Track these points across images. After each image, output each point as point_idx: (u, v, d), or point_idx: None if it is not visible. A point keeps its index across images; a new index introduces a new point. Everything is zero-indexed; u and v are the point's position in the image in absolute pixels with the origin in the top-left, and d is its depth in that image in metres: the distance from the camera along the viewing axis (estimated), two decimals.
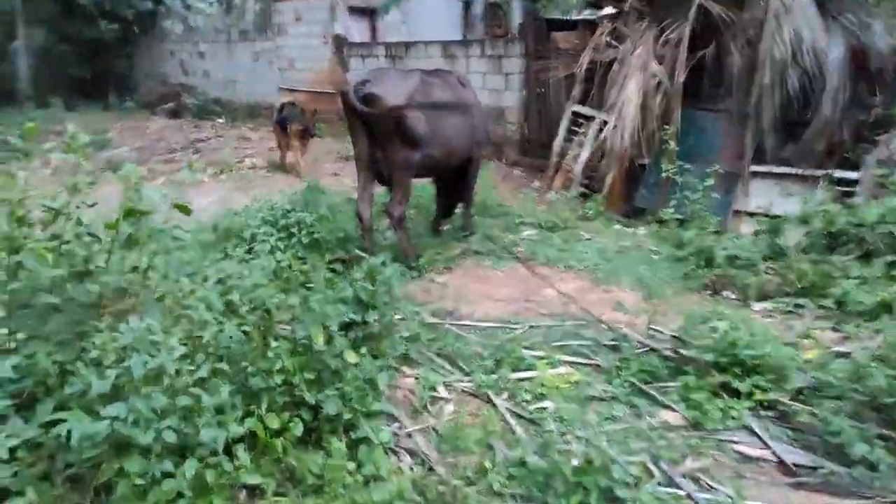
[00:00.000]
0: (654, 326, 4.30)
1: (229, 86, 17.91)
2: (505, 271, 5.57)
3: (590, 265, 5.66)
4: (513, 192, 9.15)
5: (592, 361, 3.82)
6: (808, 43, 6.49)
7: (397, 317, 4.17)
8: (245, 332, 3.06)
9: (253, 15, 19.59)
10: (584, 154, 8.96)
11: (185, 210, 3.08)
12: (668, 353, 3.75)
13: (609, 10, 9.35)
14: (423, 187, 7.72)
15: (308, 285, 4.48)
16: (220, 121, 15.99)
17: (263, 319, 3.22)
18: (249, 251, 4.99)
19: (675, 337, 4.04)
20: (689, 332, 4.07)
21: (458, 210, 6.55)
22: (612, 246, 6.26)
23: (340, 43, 14.54)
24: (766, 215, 7.29)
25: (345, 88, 5.23)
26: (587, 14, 11.30)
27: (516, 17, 18.15)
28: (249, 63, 17.14)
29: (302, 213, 5.24)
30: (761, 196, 7.51)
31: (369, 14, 15.35)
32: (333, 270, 5.09)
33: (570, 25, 10.67)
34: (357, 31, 14.97)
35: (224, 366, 2.76)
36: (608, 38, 7.90)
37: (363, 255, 5.20)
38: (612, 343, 4.05)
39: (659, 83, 7.46)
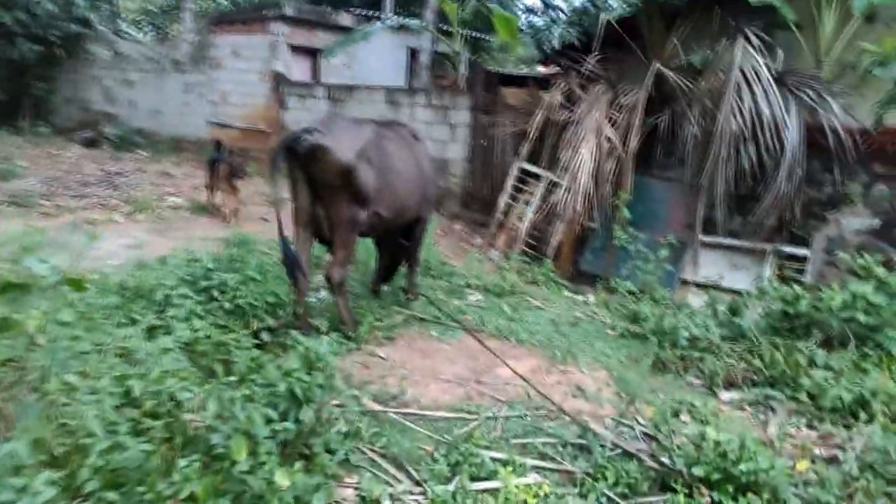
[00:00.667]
0: (622, 419, 3.88)
1: (155, 117, 16.95)
2: (452, 344, 5.06)
3: (543, 339, 5.23)
4: (455, 250, 8.74)
5: (562, 467, 3.33)
6: (767, 117, 6.46)
7: (333, 401, 3.58)
8: (146, 443, 2.41)
9: (189, 46, 18.83)
10: (530, 213, 8.69)
11: (78, 286, 2.43)
12: (645, 458, 3.31)
13: (554, 69, 9.28)
14: (362, 242, 7.22)
15: (230, 362, 3.85)
16: (143, 153, 15.00)
17: (170, 424, 2.58)
18: (161, 315, 4.28)
19: (649, 436, 3.62)
20: (662, 429, 3.67)
21: (401, 269, 6.05)
22: (564, 316, 5.88)
23: (279, 81, 13.99)
24: (715, 287, 7.14)
25: (287, 136, 4.69)
26: (534, 70, 11.26)
27: (463, 70, 18.22)
28: (180, 95, 16.31)
29: (226, 273, 4.59)
30: (709, 267, 7.38)
31: (312, 54, 14.91)
32: (259, 343, 4.46)
33: (518, 81, 10.54)
34: (299, 69, 14.48)
35: (113, 496, 2.11)
36: (561, 99, 7.71)
37: (296, 322, 4.65)
38: (580, 441, 3.58)
39: (612, 148, 7.28)
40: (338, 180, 4.58)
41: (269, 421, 2.74)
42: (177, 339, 3.99)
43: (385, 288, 6.20)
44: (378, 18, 15.64)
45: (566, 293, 6.86)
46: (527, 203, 8.90)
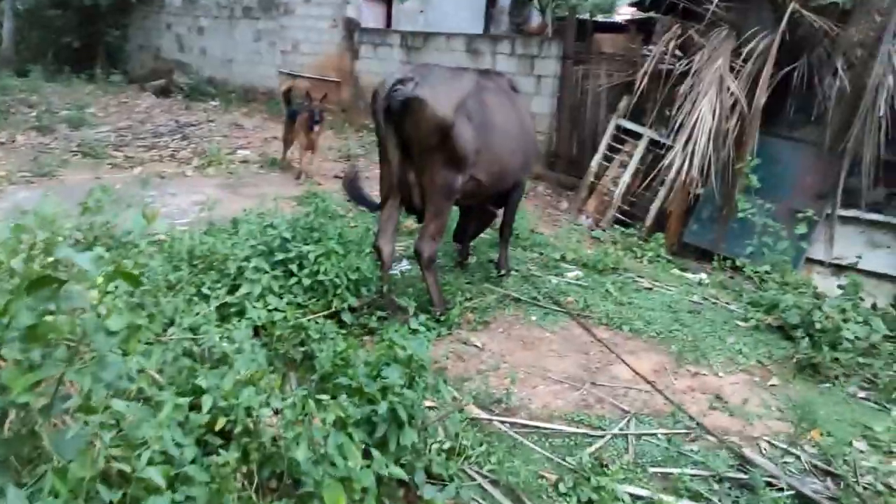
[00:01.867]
0: (779, 443, 3.15)
1: (226, 66, 16.57)
2: (556, 332, 4.38)
3: (662, 330, 4.48)
4: (541, 216, 7.97)
5: None
6: None
7: (427, 403, 2.99)
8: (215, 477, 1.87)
9: None
10: (626, 177, 7.80)
11: (132, 281, 1.83)
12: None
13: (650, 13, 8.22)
14: None
15: (311, 356, 3.31)
16: (213, 103, 14.67)
17: (246, 448, 2.03)
18: (233, 289, 3.77)
19: (823, 470, 2.88)
20: (839, 460, 2.93)
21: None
22: (681, 301, 5.09)
23: (352, 28, 13.27)
24: (851, 268, 6.17)
25: (379, 87, 4.01)
26: (634, 14, 10.13)
27: (536, 16, 17.02)
28: (250, 43, 15.82)
29: (305, 245, 4.01)
30: (844, 245, 6.37)
31: (386, 1, 14.09)
32: (341, 323, 3.91)
33: (615, 27, 9.49)
34: (371, 16, 13.71)
35: None
36: (673, 46, 6.71)
37: (381, 301, 4.06)
38: (739, 475, 2.87)
39: (735, 103, 6.29)
40: (434, 139, 3.90)
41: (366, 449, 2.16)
42: (251, 321, 3.48)
43: (471, 259, 5.56)
44: None
45: (675, 271, 6.04)
46: (623, 165, 8.01)
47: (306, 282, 3.85)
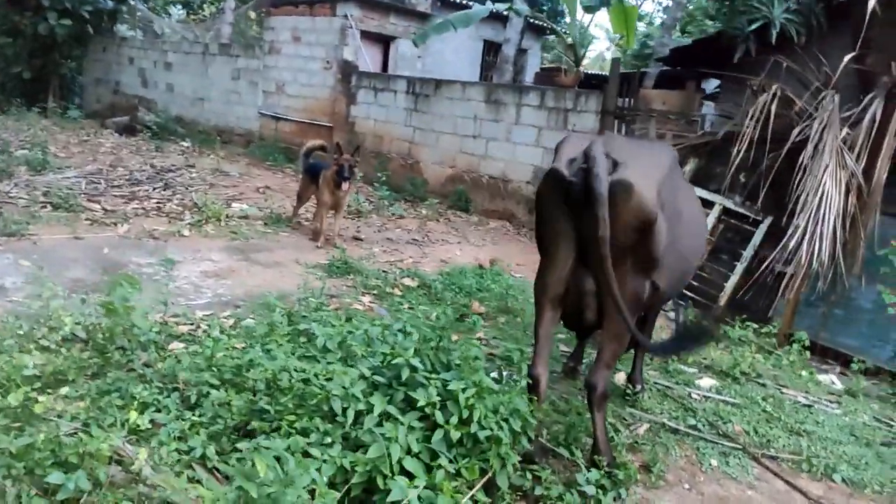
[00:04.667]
0: None
1: (197, 104, 15.19)
2: (754, 485, 3.27)
3: (866, 477, 3.43)
4: None
5: None
6: None
7: None
8: None
9: (230, 27, 17.07)
10: (740, 269, 6.69)
11: None
12: None
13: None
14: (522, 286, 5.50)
15: None
16: (185, 144, 13.23)
17: None
18: (348, 445, 2.52)
19: None
20: None
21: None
22: (858, 426, 4.08)
23: (349, 70, 12.21)
24: None
25: (559, 164, 2.90)
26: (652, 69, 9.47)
27: (532, 66, 16.40)
28: (227, 81, 14.52)
29: (435, 374, 2.80)
30: None
31: (384, 42, 13.14)
32: (486, 487, 2.70)
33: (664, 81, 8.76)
34: (367, 59, 12.69)
35: None
36: (771, 109, 5.88)
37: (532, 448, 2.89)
38: None
39: (850, 177, 5.49)
40: (632, 236, 2.83)
41: None
42: None
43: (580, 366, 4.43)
44: (460, 5, 13.86)
45: (803, 373, 5.05)
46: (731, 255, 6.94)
47: (455, 435, 2.62)
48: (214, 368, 3.24)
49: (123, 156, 10.79)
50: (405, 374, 2.76)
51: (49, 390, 2.98)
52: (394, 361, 2.81)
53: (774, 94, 5.86)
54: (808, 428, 3.89)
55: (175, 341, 3.89)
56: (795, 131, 5.58)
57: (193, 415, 2.95)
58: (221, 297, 5.05)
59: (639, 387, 4.04)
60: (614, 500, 2.92)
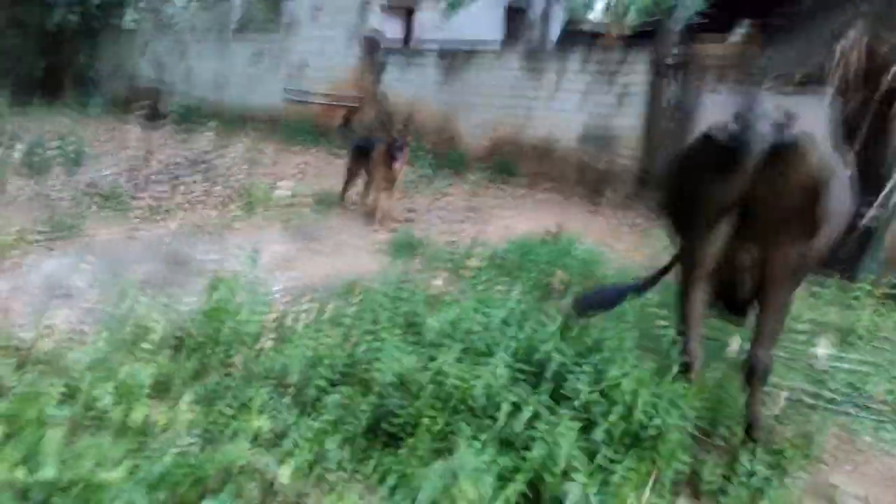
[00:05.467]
0: None
1: (218, 89, 14.88)
2: None
3: None
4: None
5: None
6: None
7: None
8: None
9: (241, 8, 16.65)
10: None
11: None
12: None
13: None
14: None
15: None
16: (209, 131, 12.93)
17: None
18: (504, 444, 2.28)
19: None
20: None
21: None
22: None
23: (373, 45, 11.84)
24: None
25: (720, 128, 2.59)
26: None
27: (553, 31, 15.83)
28: (247, 64, 14.20)
29: (582, 360, 2.55)
30: None
31: (406, 12, 12.71)
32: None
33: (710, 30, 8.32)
34: (389, 30, 12.30)
35: None
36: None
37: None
38: None
39: None
40: (803, 201, 2.54)
41: None
42: None
43: None
44: None
45: None
46: None
47: (616, 431, 2.37)
48: (325, 365, 3.00)
49: (153, 146, 10.53)
50: (553, 364, 2.50)
51: (157, 400, 2.78)
52: (541, 349, 2.55)
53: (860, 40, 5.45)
54: None
55: (264, 337, 3.66)
56: (889, 76, 5.19)
57: (311, 418, 2.73)
58: (295, 287, 4.82)
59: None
60: (779, 486, 2.67)
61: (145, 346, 3.20)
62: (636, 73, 8.44)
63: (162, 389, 2.94)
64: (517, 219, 7.49)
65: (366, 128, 8.00)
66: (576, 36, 12.33)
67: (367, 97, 12.04)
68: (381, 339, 3.12)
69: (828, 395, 3.53)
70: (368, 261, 5.58)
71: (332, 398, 2.74)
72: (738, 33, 8.88)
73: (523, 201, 8.54)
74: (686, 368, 2.75)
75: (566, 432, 2.26)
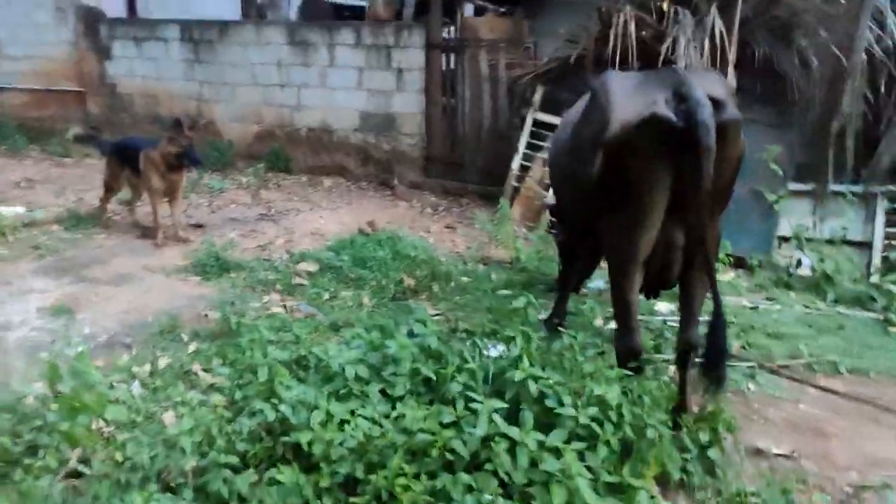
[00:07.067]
0: None
1: None
2: (794, 399, 3.35)
3: (862, 365, 3.73)
4: (466, 232, 6.69)
5: None
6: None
7: None
8: None
9: None
10: None
11: None
12: None
13: None
14: None
15: None
16: None
17: None
18: None
19: None
20: None
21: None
22: (807, 318, 4.43)
23: (93, 19, 9.92)
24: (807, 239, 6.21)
25: (663, 107, 2.41)
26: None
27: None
28: None
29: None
30: (798, 218, 6.44)
31: None
32: None
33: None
34: (109, 8, 10.42)
35: None
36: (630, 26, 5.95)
37: None
38: None
39: None
40: (732, 176, 2.66)
41: None
42: None
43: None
44: None
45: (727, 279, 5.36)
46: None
47: (616, 445, 2.15)
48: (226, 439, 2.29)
49: None
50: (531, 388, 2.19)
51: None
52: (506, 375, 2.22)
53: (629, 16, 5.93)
54: (782, 330, 4.12)
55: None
56: (664, 48, 5.72)
57: None
58: (96, 337, 3.75)
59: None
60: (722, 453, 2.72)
61: None
62: (413, 51, 8.25)
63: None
64: (318, 217, 6.88)
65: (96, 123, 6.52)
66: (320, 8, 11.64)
67: (92, 84, 10.11)
68: (288, 388, 2.48)
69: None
70: (174, 288, 4.61)
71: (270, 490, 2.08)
72: (493, 9, 9.29)
73: (315, 196, 7.90)
74: (638, 363, 2.65)
75: (580, 471, 1.97)
